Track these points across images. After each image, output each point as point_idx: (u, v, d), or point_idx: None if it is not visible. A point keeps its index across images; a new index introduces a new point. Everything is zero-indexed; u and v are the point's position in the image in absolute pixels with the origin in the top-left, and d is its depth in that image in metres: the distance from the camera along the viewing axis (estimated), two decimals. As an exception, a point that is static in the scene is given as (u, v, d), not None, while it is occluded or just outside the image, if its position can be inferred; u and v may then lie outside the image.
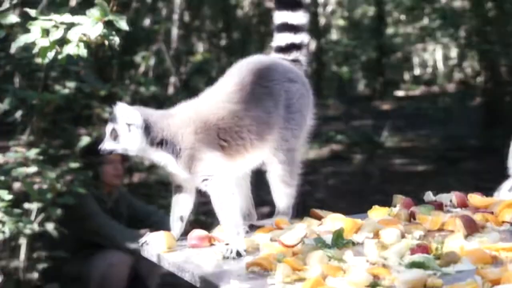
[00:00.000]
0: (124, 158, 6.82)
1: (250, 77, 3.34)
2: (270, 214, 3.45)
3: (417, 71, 21.98)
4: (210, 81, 3.50)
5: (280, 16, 3.56)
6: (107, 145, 3.20)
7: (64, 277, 6.59)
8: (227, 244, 3.05)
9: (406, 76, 21.85)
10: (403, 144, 15.21)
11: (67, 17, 3.52)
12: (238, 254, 2.97)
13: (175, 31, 12.52)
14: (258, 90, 3.32)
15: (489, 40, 13.97)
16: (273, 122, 3.33)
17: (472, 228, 3.10)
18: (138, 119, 3.18)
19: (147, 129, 3.19)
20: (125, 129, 3.17)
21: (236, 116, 3.27)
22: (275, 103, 3.34)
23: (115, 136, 3.18)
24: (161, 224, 6.13)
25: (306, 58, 3.59)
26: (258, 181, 3.53)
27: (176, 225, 3.31)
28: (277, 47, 3.57)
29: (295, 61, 3.54)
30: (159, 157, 3.22)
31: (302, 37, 3.57)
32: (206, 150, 3.18)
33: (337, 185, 12.54)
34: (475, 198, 3.56)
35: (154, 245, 3.20)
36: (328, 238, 2.98)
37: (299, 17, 3.55)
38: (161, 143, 3.20)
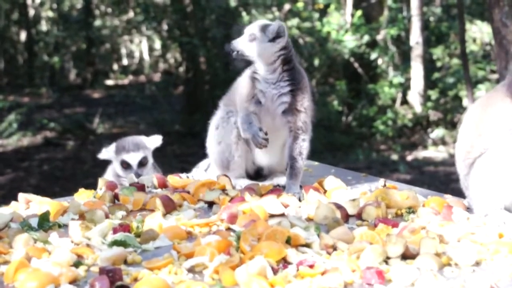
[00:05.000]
0: None
1: None
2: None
3: (125, 62, 22.02)
4: None
5: None
6: None
7: None
8: None
9: (115, 66, 21.81)
10: (114, 130, 15.19)
11: None
12: None
13: None
14: None
15: (189, 33, 14.33)
16: None
17: (170, 206, 3.19)
18: None
19: None
20: None
21: None
22: None
23: None
24: None
25: None
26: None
27: None
28: None
29: None
30: None
31: None
32: None
33: (51, 170, 12.26)
34: (174, 179, 3.66)
35: None
36: (34, 221, 2.92)
37: None
38: None
